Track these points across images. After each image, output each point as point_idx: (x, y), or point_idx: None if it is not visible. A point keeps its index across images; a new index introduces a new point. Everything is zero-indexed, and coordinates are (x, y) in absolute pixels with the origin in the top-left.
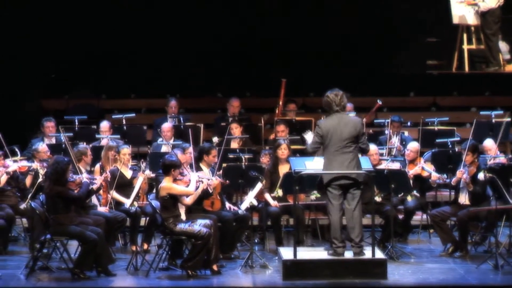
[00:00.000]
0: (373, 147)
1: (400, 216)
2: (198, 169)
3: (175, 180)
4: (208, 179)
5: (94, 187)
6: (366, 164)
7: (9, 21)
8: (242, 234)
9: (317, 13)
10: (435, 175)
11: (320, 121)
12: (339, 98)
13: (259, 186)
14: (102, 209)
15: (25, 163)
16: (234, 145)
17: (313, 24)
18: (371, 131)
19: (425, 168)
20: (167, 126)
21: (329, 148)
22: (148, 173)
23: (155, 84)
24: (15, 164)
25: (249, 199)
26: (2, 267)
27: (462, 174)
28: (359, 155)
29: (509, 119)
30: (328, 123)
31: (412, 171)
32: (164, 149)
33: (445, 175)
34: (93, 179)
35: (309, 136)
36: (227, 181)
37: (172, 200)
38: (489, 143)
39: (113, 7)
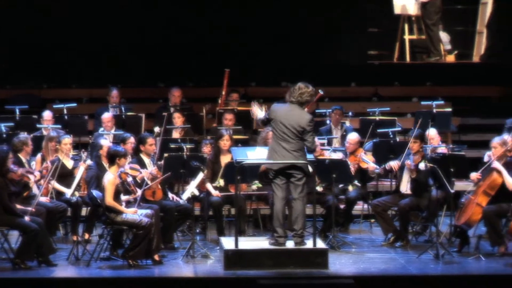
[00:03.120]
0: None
1: (342, 206)
2: (139, 160)
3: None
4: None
5: (33, 181)
6: (308, 154)
7: None
8: (184, 224)
9: (259, 3)
10: (372, 166)
11: (274, 104)
12: (300, 92)
13: (200, 176)
14: (43, 199)
15: None
16: (176, 135)
17: (255, 15)
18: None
19: (364, 159)
20: (107, 116)
21: (275, 135)
22: (89, 162)
23: (97, 74)
24: None
25: (191, 189)
26: None
27: (397, 165)
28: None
29: (450, 109)
30: (278, 108)
31: (352, 161)
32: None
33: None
34: (32, 172)
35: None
36: (160, 175)
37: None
38: (432, 132)
39: None
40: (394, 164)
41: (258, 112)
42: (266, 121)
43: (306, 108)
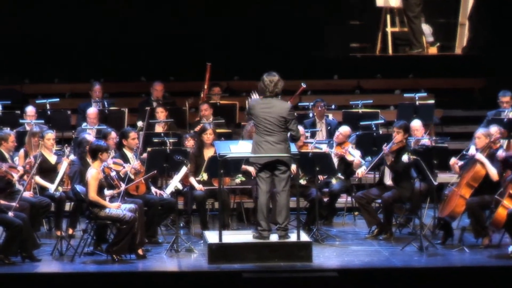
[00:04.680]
0: (300, 128)
1: (325, 199)
2: (122, 154)
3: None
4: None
5: (17, 176)
6: (291, 147)
7: None
8: (168, 218)
9: None
10: (358, 160)
11: (251, 100)
12: (273, 84)
13: (184, 170)
14: (26, 194)
15: None
16: (159, 129)
17: (237, 8)
18: (295, 114)
19: (351, 152)
20: (92, 111)
21: (257, 129)
22: (73, 157)
23: (79, 69)
24: None
25: (174, 183)
26: None
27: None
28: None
29: (432, 101)
30: (256, 103)
31: (337, 151)
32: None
33: (369, 158)
34: (15, 167)
35: None
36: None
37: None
38: (416, 124)
39: None
40: (362, 170)
41: None
42: (248, 115)
43: (290, 101)
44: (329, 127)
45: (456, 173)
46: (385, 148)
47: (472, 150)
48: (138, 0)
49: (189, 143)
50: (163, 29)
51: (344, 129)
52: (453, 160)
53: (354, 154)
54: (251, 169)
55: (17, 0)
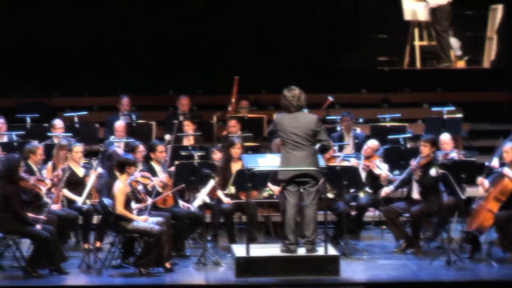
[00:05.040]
0: None
1: (353, 213)
2: (150, 167)
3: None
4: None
5: (44, 189)
6: (319, 161)
7: None
8: (195, 232)
9: (269, 9)
10: (385, 173)
11: (277, 116)
12: (296, 98)
13: (211, 183)
14: (54, 207)
15: None
16: (187, 142)
17: (264, 21)
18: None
19: (379, 165)
20: (120, 124)
21: (285, 145)
22: (100, 170)
23: (107, 82)
24: None
25: (202, 196)
26: None
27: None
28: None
29: (460, 115)
30: (282, 119)
31: (365, 163)
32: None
33: (397, 172)
34: (43, 180)
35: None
36: (171, 182)
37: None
38: (445, 138)
39: (66, 4)
40: (386, 190)
41: None
42: (273, 133)
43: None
44: (356, 141)
45: (484, 191)
46: (413, 163)
47: (494, 162)
48: (166, 15)
49: (216, 156)
50: (192, 43)
51: (372, 143)
52: (480, 180)
53: (381, 168)
54: (275, 188)
55: (48, 13)
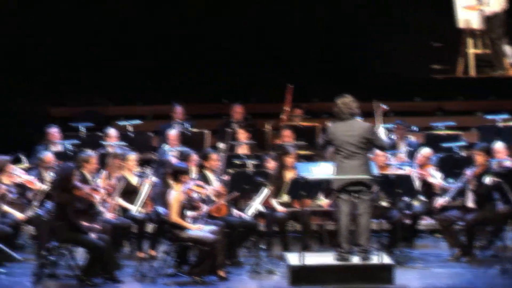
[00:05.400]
0: (379, 151)
1: (407, 221)
2: (203, 176)
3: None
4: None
5: (99, 198)
6: (373, 169)
7: (16, 28)
8: (249, 240)
9: (322, 18)
10: (439, 182)
11: (329, 126)
12: (347, 106)
13: (265, 192)
14: (108, 216)
15: (32, 179)
16: (240, 151)
17: (318, 29)
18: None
19: (432, 174)
20: (174, 133)
21: (339, 154)
22: (154, 179)
23: (161, 91)
24: (24, 176)
25: (255, 204)
26: (9, 274)
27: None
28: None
29: None
30: (335, 129)
31: (419, 171)
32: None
33: (451, 181)
34: (97, 189)
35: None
36: (225, 191)
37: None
38: (499, 146)
39: (119, 14)
40: (441, 201)
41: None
42: (325, 144)
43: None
44: (410, 149)
45: None
46: (468, 173)
47: None
48: (218, 22)
49: (271, 165)
50: (245, 50)
51: (425, 151)
52: None
53: (435, 176)
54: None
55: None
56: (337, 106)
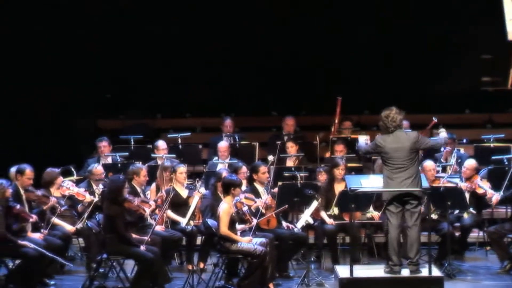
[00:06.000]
0: (430, 163)
1: (457, 234)
2: (253, 189)
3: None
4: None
5: (149, 211)
6: (422, 181)
7: (66, 42)
8: (298, 252)
9: (371, 30)
10: (490, 192)
11: (378, 137)
12: (390, 118)
13: (314, 204)
14: (158, 228)
15: (82, 191)
16: (290, 163)
17: (367, 42)
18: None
19: (481, 185)
20: (223, 145)
21: (387, 166)
22: (204, 191)
23: (210, 103)
24: (74, 189)
25: (305, 217)
26: (59, 286)
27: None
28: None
29: None
30: (383, 141)
31: (467, 185)
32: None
33: (501, 192)
34: (147, 202)
35: (362, 138)
36: (274, 203)
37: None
38: None
39: (167, 28)
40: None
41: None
42: (369, 152)
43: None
44: (459, 160)
45: None
46: None
47: None
48: (268, 36)
49: (322, 177)
50: (294, 63)
51: (469, 163)
52: None
53: (484, 186)
54: (376, 213)
55: (151, 36)
56: (382, 120)
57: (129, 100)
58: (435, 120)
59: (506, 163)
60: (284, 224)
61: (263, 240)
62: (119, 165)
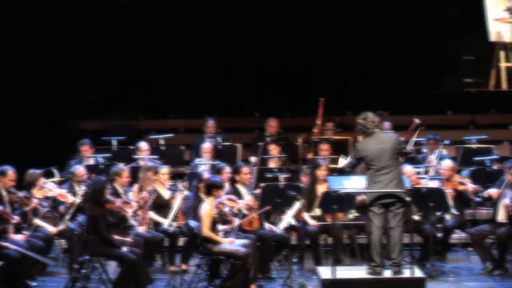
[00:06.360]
0: (408, 168)
1: (439, 235)
2: (235, 190)
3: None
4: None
5: (131, 212)
6: (405, 182)
7: (50, 43)
8: (281, 254)
9: (354, 32)
10: (471, 186)
11: (358, 144)
12: (370, 119)
13: (297, 205)
14: (140, 230)
15: (64, 193)
16: (272, 164)
17: (350, 43)
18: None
19: (461, 181)
20: (207, 146)
21: (371, 169)
22: (186, 193)
23: (193, 104)
24: (56, 190)
25: (287, 218)
26: None
27: (496, 193)
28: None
29: None
30: (365, 145)
31: (449, 188)
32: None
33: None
34: (129, 203)
35: (342, 161)
36: (256, 205)
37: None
38: None
39: (149, 30)
40: (493, 192)
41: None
42: (355, 164)
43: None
44: (440, 160)
45: None
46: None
47: None
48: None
49: (305, 178)
50: (276, 65)
51: (446, 164)
52: None
53: (464, 182)
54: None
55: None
56: (360, 124)
57: (111, 101)
58: (417, 121)
59: (489, 164)
60: (267, 225)
61: (245, 241)
62: (102, 166)
